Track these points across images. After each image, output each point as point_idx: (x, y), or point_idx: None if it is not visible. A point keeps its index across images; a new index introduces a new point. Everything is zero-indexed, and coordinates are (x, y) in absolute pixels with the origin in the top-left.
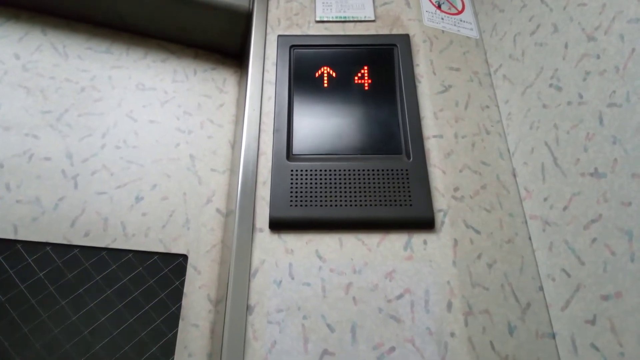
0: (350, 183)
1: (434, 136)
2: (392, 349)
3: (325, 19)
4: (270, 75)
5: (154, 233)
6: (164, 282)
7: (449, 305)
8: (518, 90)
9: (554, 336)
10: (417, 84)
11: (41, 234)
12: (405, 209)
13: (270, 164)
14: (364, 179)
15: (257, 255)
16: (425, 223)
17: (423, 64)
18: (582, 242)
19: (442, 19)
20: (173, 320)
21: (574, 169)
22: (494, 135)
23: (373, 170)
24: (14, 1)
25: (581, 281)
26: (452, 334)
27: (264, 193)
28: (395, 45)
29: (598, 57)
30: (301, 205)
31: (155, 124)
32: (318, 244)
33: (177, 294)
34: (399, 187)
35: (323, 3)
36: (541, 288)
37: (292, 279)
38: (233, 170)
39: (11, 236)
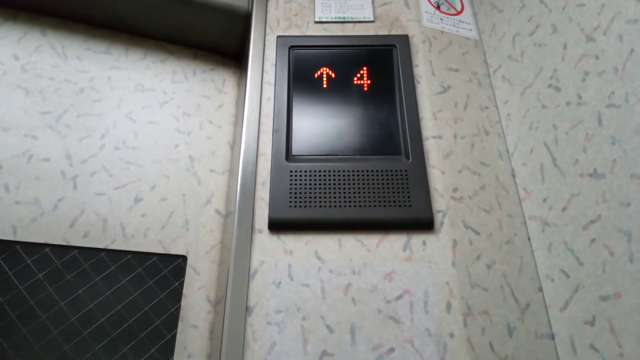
0: (349, 184)
1: (433, 137)
2: (392, 349)
3: (324, 20)
4: (270, 76)
5: (153, 234)
6: (163, 283)
7: (448, 306)
8: (517, 90)
9: (553, 337)
10: (416, 84)
11: (40, 235)
12: (404, 209)
13: (269, 164)
14: (363, 179)
15: (256, 256)
16: (424, 224)
17: (422, 64)
18: (581, 243)
19: (441, 19)
20: (172, 321)
21: (573, 169)
22: (493, 135)
23: (372, 171)
24: (13, 2)
25: (580, 282)
26: (452, 335)
27: (263, 194)
28: (394, 45)
29: (597, 57)
30: (300, 206)
31: (155, 124)
32: (317, 244)
33: (177, 295)
34: (398, 188)
35: (322, 4)
36: (540, 289)
37: (292, 279)
38: (232, 171)
39: (10, 237)
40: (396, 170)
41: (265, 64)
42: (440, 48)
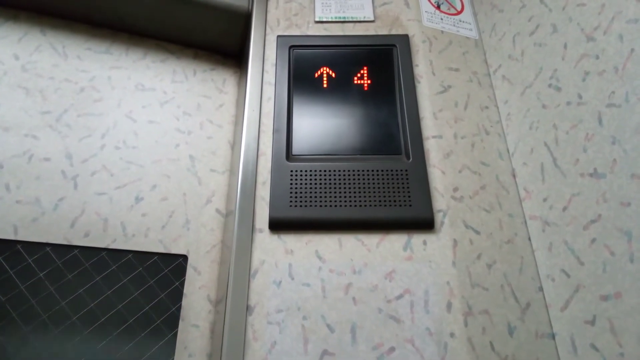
0: (349, 183)
1: (434, 136)
2: (392, 349)
3: (324, 20)
4: (270, 75)
5: (154, 233)
6: (163, 282)
7: (449, 306)
8: (517, 90)
9: (553, 336)
10: (417, 84)
11: (41, 235)
12: (404, 209)
13: (269, 164)
14: (363, 179)
15: (257, 256)
16: (424, 223)
17: (422, 64)
18: (581, 243)
19: (442, 19)
20: (173, 320)
21: (573, 169)
22: (493, 135)
23: (372, 170)
24: (13, 1)
25: (581, 281)
26: (452, 335)
27: (263, 193)
28: (394, 45)
29: (597, 57)
30: (301, 206)
31: (155, 124)
32: (318, 244)
33: (177, 295)
34: (398, 188)
35: (322, 3)
36: (541, 288)
37: (292, 279)
38: (233, 170)
39: (11, 237)
40: (396, 170)
41: (265, 64)
42: (441, 48)
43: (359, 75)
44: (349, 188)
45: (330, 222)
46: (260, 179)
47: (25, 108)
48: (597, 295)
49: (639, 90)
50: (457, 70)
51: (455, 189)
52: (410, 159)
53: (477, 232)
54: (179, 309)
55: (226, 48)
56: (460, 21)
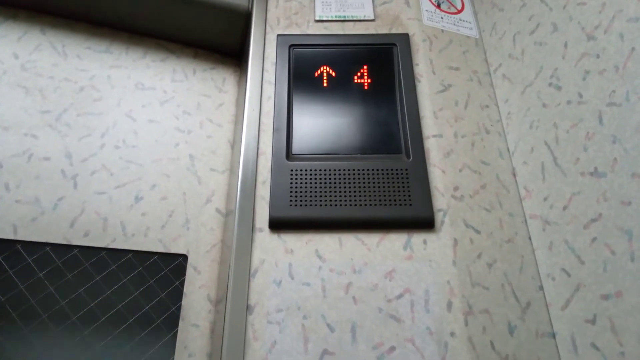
0: (349, 183)
1: (434, 135)
2: (392, 348)
3: (324, 18)
4: (270, 74)
5: (154, 233)
6: (163, 282)
7: (449, 305)
8: (518, 89)
9: (554, 336)
10: (417, 83)
11: (41, 234)
12: (405, 208)
13: (269, 163)
14: (363, 178)
15: (257, 255)
16: (425, 223)
17: (422, 63)
18: (582, 242)
19: (442, 18)
20: (173, 320)
21: (573, 168)
22: (493, 134)
23: (373, 169)
24: (13, 0)
25: (581, 281)
26: (452, 334)
27: (263, 193)
28: (394, 44)
29: (598, 56)
30: (301, 205)
31: (155, 123)
32: (318, 243)
33: (177, 294)
34: (398, 187)
35: (322, 2)
36: (541, 287)
37: (292, 278)
38: (232, 170)
39: (11, 236)
40: (397, 169)
41: (265, 63)
42: (441, 47)
43: (359, 74)
44: (349, 187)
45: (330, 222)
46: (260, 178)
47: (24, 107)
48: (598, 295)
49: None
50: (457, 69)
51: (456, 188)
52: (411, 158)
53: (478, 232)
54: (179, 308)
55: (226, 47)
56: (461, 20)
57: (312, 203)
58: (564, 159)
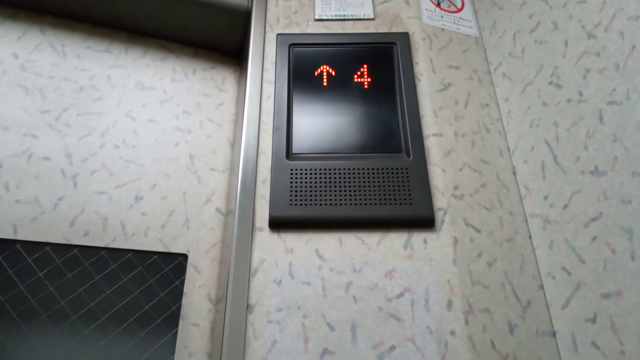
0: (350, 182)
1: (434, 134)
2: (393, 347)
3: (324, 17)
4: (270, 74)
5: (154, 232)
6: (163, 281)
7: (449, 304)
8: (518, 88)
9: (554, 335)
10: (417, 82)
11: (40, 234)
12: (405, 207)
13: (269, 163)
14: (363, 177)
15: (257, 255)
16: (425, 222)
17: (422, 62)
18: (582, 241)
19: (442, 16)
20: (173, 319)
21: (574, 167)
22: (493, 133)
23: (373, 169)
24: (13, 0)
25: (581, 279)
26: (453, 333)
27: (263, 192)
28: (394, 43)
29: (598, 54)
30: (301, 204)
31: (155, 123)
32: (318, 243)
33: (177, 294)
34: (398, 186)
35: (322, 1)
36: (541, 286)
37: (292, 278)
38: (233, 169)
39: (10, 236)
40: (397, 168)
41: (265, 62)
42: (441, 45)
43: (359, 73)
44: (349, 186)
45: (330, 221)
46: (260, 178)
47: (24, 107)
48: (598, 293)
49: None
50: (457, 68)
51: (456, 187)
52: (411, 157)
53: (478, 230)
54: (179, 307)
55: (226, 46)
56: (461, 19)
57: (312, 202)
58: (565, 157)
